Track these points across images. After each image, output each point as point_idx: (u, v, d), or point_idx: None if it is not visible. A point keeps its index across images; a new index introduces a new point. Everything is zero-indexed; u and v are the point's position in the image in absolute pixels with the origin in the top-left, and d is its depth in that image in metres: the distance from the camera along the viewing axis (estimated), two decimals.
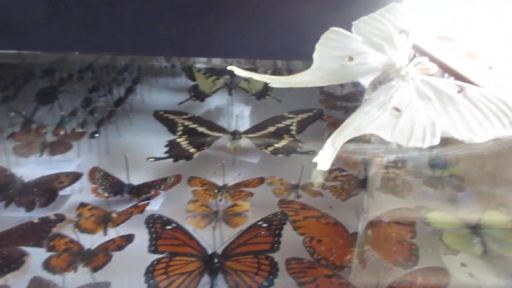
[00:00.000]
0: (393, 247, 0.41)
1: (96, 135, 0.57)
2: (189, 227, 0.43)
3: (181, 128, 0.60)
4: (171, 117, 0.62)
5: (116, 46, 0.57)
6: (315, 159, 0.38)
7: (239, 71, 0.45)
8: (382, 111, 0.42)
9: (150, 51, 0.60)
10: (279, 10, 0.60)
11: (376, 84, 0.45)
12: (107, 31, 0.56)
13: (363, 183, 0.51)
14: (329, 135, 0.63)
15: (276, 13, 0.60)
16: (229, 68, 0.46)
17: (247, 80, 0.77)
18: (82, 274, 0.38)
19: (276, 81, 0.45)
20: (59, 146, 0.52)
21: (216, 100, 0.73)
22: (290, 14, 0.61)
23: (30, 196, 0.45)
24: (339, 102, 0.72)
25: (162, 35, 0.57)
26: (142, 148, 0.60)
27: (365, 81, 0.47)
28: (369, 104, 0.44)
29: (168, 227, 0.42)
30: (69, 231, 0.42)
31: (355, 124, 0.42)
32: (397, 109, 0.43)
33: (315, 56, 0.47)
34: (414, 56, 0.45)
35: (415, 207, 0.48)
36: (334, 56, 0.47)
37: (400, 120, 0.42)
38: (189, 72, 0.79)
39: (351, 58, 0.46)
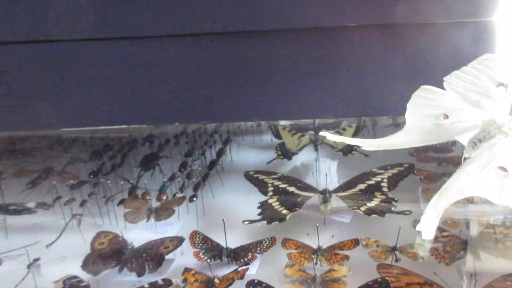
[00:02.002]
0: None
1: (194, 198, 0.61)
2: None
3: (271, 188, 0.62)
4: (261, 177, 0.65)
5: (207, 115, 0.62)
6: (418, 227, 0.37)
7: (330, 136, 0.46)
8: (486, 172, 0.40)
9: (238, 117, 0.64)
10: (360, 68, 0.61)
11: (476, 142, 0.43)
12: (199, 102, 0.61)
13: (467, 245, 0.48)
14: (423, 191, 0.62)
15: (357, 71, 0.61)
16: (321, 133, 0.47)
17: None
18: None
19: (369, 145, 0.45)
20: (163, 212, 0.57)
21: (303, 157, 0.75)
22: (374, 70, 0.61)
23: (140, 261, 0.49)
24: (431, 153, 0.70)
25: (249, 102, 0.60)
26: (234, 209, 0.63)
27: (463, 139, 0.45)
28: (470, 164, 0.42)
29: None
30: None
31: (458, 186, 0.40)
32: (503, 169, 0.40)
33: (407, 116, 0.46)
34: None
35: None
36: (428, 115, 0.46)
37: (507, 180, 0.39)
38: (275, 130, 0.82)
39: (446, 116, 0.45)
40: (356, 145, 0.48)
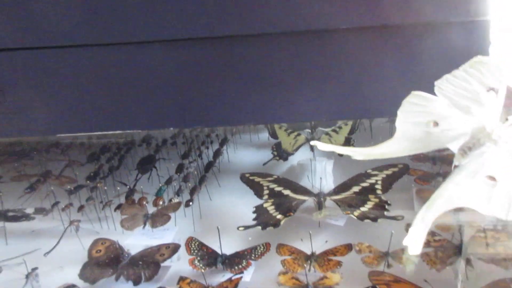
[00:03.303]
0: None
1: (191, 203, 0.61)
2: None
3: (266, 191, 0.62)
4: (257, 179, 0.65)
5: (205, 119, 0.62)
6: (405, 241, 0.37)
7: (321, 146, 0.46)
8: (475, 181, 0.40)
9: (233, 121, 0.64)
10: (353, 70, 0.61)
11: (466, 150, 0.43)
12: (194, 106, 0.61)
13: (459, 250, 0.48)
14: (417, 191, 0.62)
15: (351, 73, 0.61)
16: (312, 143, 0.47)
17: (328, 134, 0.78)
18: None
19: (359, 154, 0.45)
20: (159, 218, 0.57)
21: (299, 157, 0.75)
22: (367, 72, 0.61)
23: (136, 269, 0.49)
24: (426, 152, 0.70)
25: (243, 105, 0.60)
26: (231, 212, 0.64)
27: (453, 146, 0.45)
28: (459, 173, 0.42)
29: None
30: None
31: (446, 197, 0.40)
32: (492, 178, 0.40)
33: (397, 123, 0.46)
34: (507, 119, 0.42)
35: None
36: (418, 122, 0.45)
37: (496, 190, 0.39)
38: (271, 129, 0.82)
39: (436, 124, 0.45)
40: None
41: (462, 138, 0.44)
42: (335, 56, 0.60)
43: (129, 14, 0.58)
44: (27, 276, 0.50)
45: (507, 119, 0.42)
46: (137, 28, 0.58)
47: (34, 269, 0.50)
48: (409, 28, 0.58)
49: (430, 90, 0.46)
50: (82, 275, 0.50)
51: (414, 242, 0.37)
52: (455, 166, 0.44)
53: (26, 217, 0.61)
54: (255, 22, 0.57)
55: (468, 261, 0.47)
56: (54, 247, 0.56)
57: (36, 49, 0.61)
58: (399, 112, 0.47)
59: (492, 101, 0.44)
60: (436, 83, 0.47)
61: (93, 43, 0.60)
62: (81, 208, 0.62)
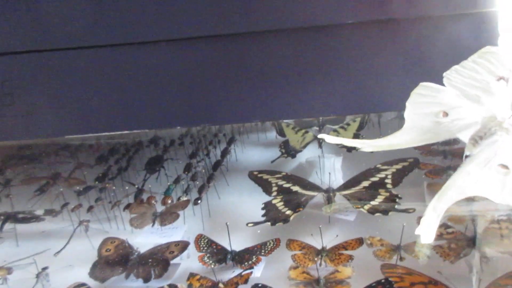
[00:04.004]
0: None
1: (199, 201, 0.61)
2: None
3: (275, 188, 0.62)
4: (265, 177, 0.65)
5: (212, 117, 0.62)
6: (417, 231, 0.36)
7: (329, 139, 0.46)
8: (487, 170, 0.40)
9: (239, 118, 0.64)
10: (359, 65, 0.60)
11: (477, 139, 0.42)
12: (201, 105, 0.61)
13: (472, 242, 0.47)
14: (428, 185, 0.61)
15: (357, 68, 0.60)
16: (319, 136, 0.47)
17: (336, 131, 0.78)
18: None
19: (367, 146, 0.45)
20: (168, 216, 0.57)
21: (307, 154, 0.74)
22: (373, 66, 0.61)
23: (146, 267, 0.49)
24: (436, 146, 0.69)
25: (249, 103, 0.60)
26: (239, 210, 0.63)
27: (463, 136, 0.44)
28: (471, 162, 0.41)
29: None
30: None
31: (458, 186, 0.39)
32: (504, 166, 0.40)
33: (406, 114, 0.45)
34: None
35: None
36: (427, 113, 0.45)
37: (508, 178, 0.39)
38: (279, 128, 0.82)
39: (446, 114, 0.44)
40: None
41: (472, 128, 0.43)
42: (342, 51, 0.59)
43: (134, 15, 0.58)
44: (37, 276, 0.50)
45: None
46: (143, 28, 0.59)
47: (44, 268, 0.51)
48: (417, 21, 0.57)
49: (439, 83, 0.46)
50: (92, 274, 0.50)
51: (426, 231, 0.36)
52: (466, 156, 0.43)
53: (36, 218, 0.61)
54: (260, 19, 0.57)
55: (483, 253, 0.46)
56: (64, 247, 0.56)
57: (43, 51, 0.61)
58: (407, 103, 0.46)
59: (502, 90, 0.43)
60: (445, 74, 0.47)
61: (99, 44, 0.61)
62: (90, 208, 0.63)
